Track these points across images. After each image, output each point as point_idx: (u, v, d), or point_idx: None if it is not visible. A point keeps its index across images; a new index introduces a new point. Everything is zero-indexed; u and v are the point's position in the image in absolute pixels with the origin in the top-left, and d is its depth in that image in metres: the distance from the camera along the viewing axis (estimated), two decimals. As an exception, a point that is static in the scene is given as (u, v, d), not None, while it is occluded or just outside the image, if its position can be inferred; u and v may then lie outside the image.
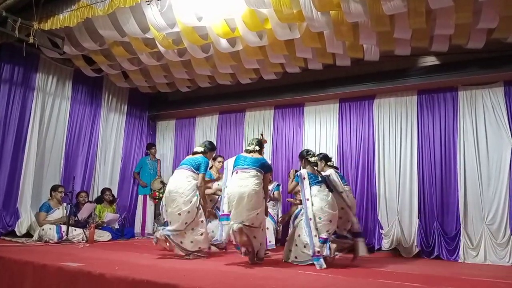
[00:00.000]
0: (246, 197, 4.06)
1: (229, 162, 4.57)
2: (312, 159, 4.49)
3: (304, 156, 4.58)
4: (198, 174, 4.71)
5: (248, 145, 4.54)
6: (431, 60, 6.01)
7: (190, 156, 4.98)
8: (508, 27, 4.62)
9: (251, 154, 4.43)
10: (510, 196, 5.26)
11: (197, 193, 4.64)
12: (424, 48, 5.27)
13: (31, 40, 5.21)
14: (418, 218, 5.75)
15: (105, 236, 6.19)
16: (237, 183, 4.18)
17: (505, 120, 5.43)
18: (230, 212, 4.18)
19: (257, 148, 4.49)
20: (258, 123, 7.42)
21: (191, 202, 4.54)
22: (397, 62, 5.97)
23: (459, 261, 5.35)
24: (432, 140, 5.90)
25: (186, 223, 4.51)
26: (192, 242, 4.54)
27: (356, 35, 4.92)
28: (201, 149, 4.98)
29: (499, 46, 5.20)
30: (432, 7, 4.17)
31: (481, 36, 4.87)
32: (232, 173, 4.38)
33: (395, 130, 6.19)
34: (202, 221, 4.64)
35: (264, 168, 4.33)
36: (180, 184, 4.60)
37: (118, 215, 6.77)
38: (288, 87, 6.90)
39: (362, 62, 5.87)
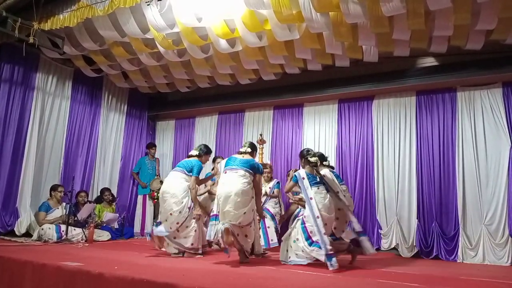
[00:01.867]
0: (233, 195, 4.12)
1: (222, 164, 4.60)
2: (312, 159, 4.46)
3: (304, 155, 4.55)
4: (190, 176, 4.82)
5: (242, 147, 4.64)
6: (430, 61, 6.03)
7: (186, 159, 5.10)
8: (507, 29, 4.63)
9: (242, 155, 4.50)
10: (508, 196, 5.28)
11: (189, 194, 4.76)
12: (423, 49, 5.28)
13: (31, 40, 5.22)
14: (417, 218, 5.77)
15: (105, 235, 6.20)
16: (225, 182, 4.24)
17: (504, 120, 5.45)
18: (219, 212, 4.22)
19: (249, 150, 4.59)
20: (258, 124, 7.43)
21: (182, 203, 4.68)
22: (396, 63, 5.98)
23: (458, 261, 5.37)
24: (431, 141, 5.92)
25: (177, 223, 4.66)
26: (185, 238, 4.68)
27: (355, 36, 4.94)
28: (196, 152, 5.11)
29: (497, 47, 5.22)
30: (431, 8, 4.19)
31: (479, 37, 4.89)
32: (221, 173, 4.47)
33: (394, 131, 6.20)
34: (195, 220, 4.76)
35: (253, 169, 4.38)
36: (172, 185, 4.76)
37: (118, 215, 6.78)
38: (288, 88, 6.92)
39: (361, 63, 5.88)
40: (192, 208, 4.72)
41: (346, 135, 6.56)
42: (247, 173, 4.29)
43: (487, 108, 5.60)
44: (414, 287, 3.28)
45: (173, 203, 4.66)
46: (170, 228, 4.67)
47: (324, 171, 4.67)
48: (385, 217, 5.98)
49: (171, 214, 4.65)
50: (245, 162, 4.38)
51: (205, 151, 5.20)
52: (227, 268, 3.97)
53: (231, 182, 4.22)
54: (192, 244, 4.68)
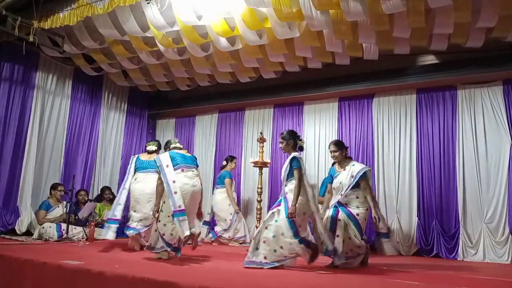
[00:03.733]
0: (198, 195, 4.27)
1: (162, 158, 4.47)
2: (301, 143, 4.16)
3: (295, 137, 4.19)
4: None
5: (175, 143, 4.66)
6: (430, 59, 6.02)
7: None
8: (507, 26, 4.62)
9: (183, 151, 4.55)
10: (509, 194, 5.28)
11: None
12: (423, 47, 5.28)
13: (31, 39, 5.22)
14: (417, 216, 5.77)
15: (105, 234, 6.20)
16: (188, 181, 4.22)
17: (504, 118, 5.44)
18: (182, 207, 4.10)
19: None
20: (258, 122, 7.43)
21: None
22: (396, 61, 5.97)
23: (458, 259, 5.37)
24: (431, 139, 5.91)
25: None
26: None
27: (355, 34, 4.93)
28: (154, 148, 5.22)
29: (498, 45, 5.21)
30: (431, 6, 4.18)
31: (480, 35, 4.88)
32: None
33: (394, 129, 6.20)
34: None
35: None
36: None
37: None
38: (288, 86, 6.91)
39: (362, 61, 5.87)
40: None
41: (346, 133, 6.56)
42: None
43: (488, 106, 5.60)
44: (414, 286, 3.29)
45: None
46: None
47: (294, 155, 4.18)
48: (385, 215, 5.96)
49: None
50: (195, 159, 4.52)
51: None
52: (227, 267, 3.98)
53: (194, 181, 4.26)
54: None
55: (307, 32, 4.97)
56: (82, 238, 5.75)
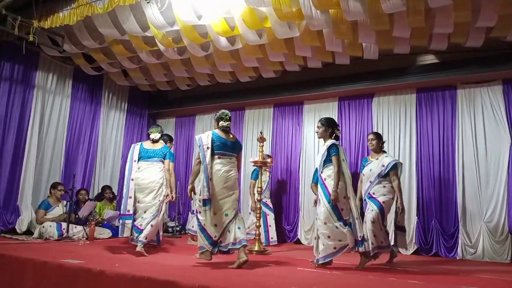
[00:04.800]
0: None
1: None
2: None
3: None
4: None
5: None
6: (430, 59, 6.03)
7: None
8: (507, 26, 4.63)
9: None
10: (508, 193, 5.29)
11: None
12: (423, 46, 5.28)
13: (31, 38, 5.22)
14: (417, 215, 5.78)
15: (106, 233, 6.21)
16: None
17: (504, 118, 5.45)
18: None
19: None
20: (258, 121, 7.44)
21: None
22: (396, 60, 5.97)
23: (457, 258, 5.38)
24: (431, 138, 5.92)
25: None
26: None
27: (355, 33, 4.94)
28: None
29: (497, 44, 5.21)
30: (431, 5, 4.18)
31: (480, 34, 4.88)
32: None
33: (394, 128, 6.20)
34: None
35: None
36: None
37: (118, 212, 6.77)
38: (288, 86, 6.91)
39: (361, 60, 5.87)
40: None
41: (346, 133, 6.56)
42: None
43: (487, 105, 5.60)
44: (414, 284, 3.30)
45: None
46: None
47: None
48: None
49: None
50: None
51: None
52: (227, 266, 3.99)
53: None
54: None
55: (307, 31, 4.98)
56: (83, 237, 5.76)
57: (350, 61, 5.94)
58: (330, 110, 6.77)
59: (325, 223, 3.96)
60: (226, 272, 3.57)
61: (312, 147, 6.80)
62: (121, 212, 4.83)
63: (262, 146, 5.60)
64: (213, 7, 4.82)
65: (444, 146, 5.82)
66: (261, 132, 5.72)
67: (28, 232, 5.86)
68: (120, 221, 4.85)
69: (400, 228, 4.71)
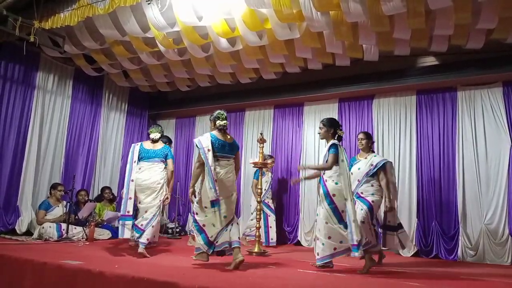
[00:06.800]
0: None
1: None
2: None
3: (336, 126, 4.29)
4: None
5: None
6: (430, 60, 6.03)
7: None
8: (507, 28, 4.63)
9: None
10: (508, 195, 5.28)
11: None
12: (423, 48, 5.28)
13: (31, 39, 5.22)
14: (417, 217, 5.77)
15: (105, 234, 6.20)
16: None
17: (504, 120, 5.45)
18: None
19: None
20: (258, 123, 7.44)
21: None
22: (397, 62, 5.98)
23: (458, 260, 5.37)
24: (431, 140, 5.92)
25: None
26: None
27: (355, 35, 4.94)
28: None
29: (498, 46, 5.21)
30: (431, 7, 4.18)
31: (480, 36, 4.88)
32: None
33: (394, 130, 6.21)
34: None
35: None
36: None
37: (118, 213, 6.77)
38: (288, 87, 6.92)
39: (362, 62, 5.88)
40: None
41: (346, 134, 6.55)
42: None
43: (488, 107, 5.60)
44: (414, 286, 3.29)
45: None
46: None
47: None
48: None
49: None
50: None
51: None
52: (224, 267, 3.98)
53: None
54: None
55: (307, 33, 4.98)
56: (82, 238, 5.76)
57: (350, 63, 5.94)
58: (330, 111, 6.77)
59: (326, 223, 3.95)
60: (225, 274, 3.56)
61: (312, 148, 6.80)
62: (121, 213, 4.83)
63: (262, 147, 5.60)
64: (214, 8, 4.83)
65: (444, 148, 5.81)
66: (261, 133, 5.72)
67: (28, 233, 5.86)
68: (120, 222, 4.84)
69: (391, 228, 4.67)
